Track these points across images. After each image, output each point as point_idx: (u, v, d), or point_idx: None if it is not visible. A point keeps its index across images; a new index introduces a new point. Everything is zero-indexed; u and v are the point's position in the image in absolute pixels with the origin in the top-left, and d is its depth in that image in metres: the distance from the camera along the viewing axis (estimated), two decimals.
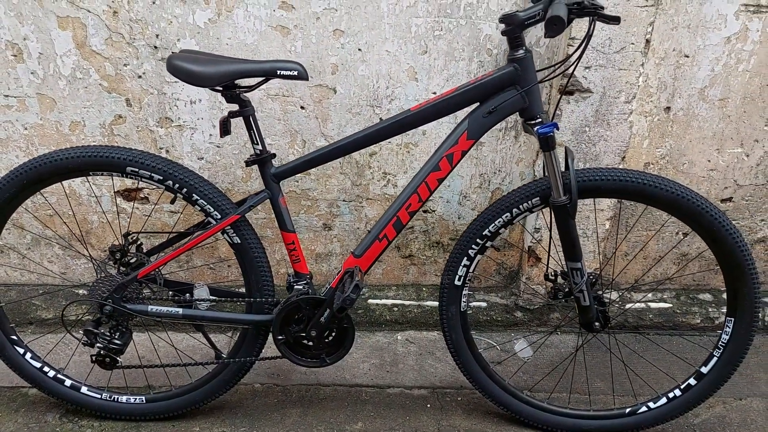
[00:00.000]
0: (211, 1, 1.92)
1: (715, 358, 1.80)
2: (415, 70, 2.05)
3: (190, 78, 1.55)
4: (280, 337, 1.81)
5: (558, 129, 1.57)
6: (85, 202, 2.23)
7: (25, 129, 2.10)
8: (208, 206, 1.72)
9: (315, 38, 1.99)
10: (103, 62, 2.00)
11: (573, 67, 1.58)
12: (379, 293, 2.45)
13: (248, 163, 1.69)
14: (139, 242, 1.86)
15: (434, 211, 2.30)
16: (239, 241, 1.76)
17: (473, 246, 1.77)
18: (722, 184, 2.25)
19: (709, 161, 2.21)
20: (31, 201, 2.18)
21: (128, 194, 2.24)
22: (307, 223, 2.32)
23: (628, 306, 2.41)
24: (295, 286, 1.80)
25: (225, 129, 1.66)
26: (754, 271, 1.67)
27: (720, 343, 1.79)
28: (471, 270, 1.82)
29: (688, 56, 2.03)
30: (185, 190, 1.71)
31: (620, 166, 2.10)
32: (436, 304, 2.42)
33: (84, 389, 1.97)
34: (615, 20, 1.41)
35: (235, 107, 1.64)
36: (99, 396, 1.97)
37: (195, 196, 1.71)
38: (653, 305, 2.42)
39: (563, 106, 2.01)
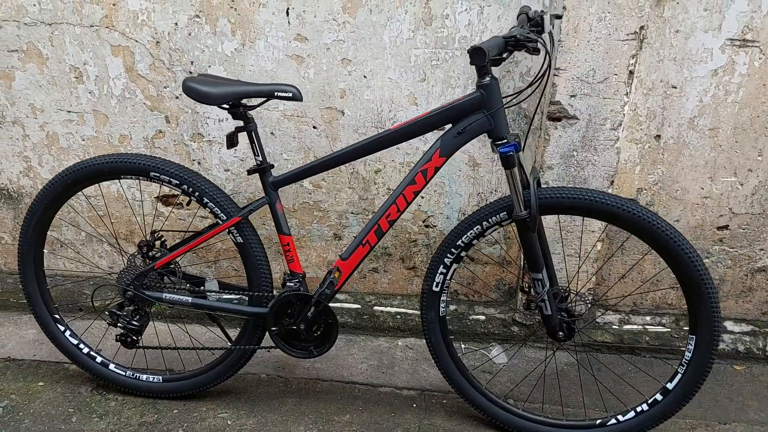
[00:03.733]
0: (237, 33, 2.21)
1: (679, 375, 1.87)
2: (415, 95, 2.25)
3: (200, 97, 1.82)
4: (273, 329, 2.04)
5: (518, 150, 1.72)
6: (130, 205, 2.56)
7: (83, 140, 2.46)
8: (216, 208, 1.98)
9: (326, 66, 2.24)
10: (147, 84, 2.33)
11: (540, 94, 1.74)
12: (385, 301, 2.63)
13: (250, 172, 1.95)
14: (163, 239, 2.15)
15: (435, 226, 2.48)
16: (242, 241, 2.01)
17: (448, 255, 1.94)
18: (717, 211, 2.30)
19: (702, 189, 2.28)
20: (86, 202, 2.54)
21: (166, 200, 2.55)
22: (319, 232, 2.55)
23: (606, 320, 2.48)
24: (287, 284, 2.02)
25: (231, 142, 1.92)
26: (711, 289, 1.74)
27: (684, 360, 1.85)
28: (448, 277, 1.98)
29: (675, 87, 2.13)
30: (197, 193, 1.98)
31: (609, 190, 2.21)
32: None
33: (112, 366, 2.26)
34: (536, 52, 1.57)
35: (240, 123, 1.90)
36: (124, 373, 2.25)
37: (205, 199, 1.98)
38: (627, 327, 2.49)
39: (551, 131, 2.15)
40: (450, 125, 1.80)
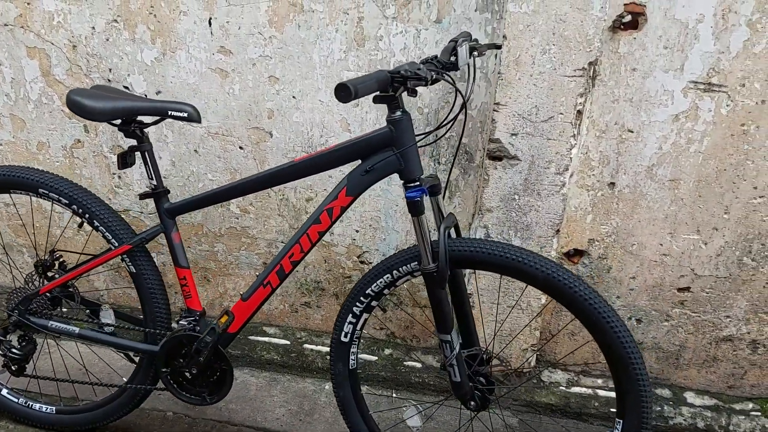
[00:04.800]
0: (157, 41, 2.04)
1: None
2: (348, 121, 2.05)
3: (83, 113, 1.64)
4: (164, 370, 1.85)
5: (426, 195, 1.52)
6: (52, 217, 2.40)
7: (1, 145, 2.30)
8: (107, 233, 1.80)
9: (252, 83, 2.05)
10: (64, 90, 2.16)
11: (460, 134, 1.53)
12: (317, 339, 2.43)
13: (142, 197, 1.76)
14: (62, 259, 1.97)
15: (371, 262, 2.27)
16: (135, 270, 1.82)
17: (357, 304, 1.74)
18: (677, 271, 2.06)
19: (661, 245, 2.04)
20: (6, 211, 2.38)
21: None
22: (247, 260, 2.36)
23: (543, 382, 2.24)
24: (181, 321, 1.83)
25: (124, 162, 1.74)
26: (640, 370, 1.51)
27: None
28: (358, 327, 1.78)
29: (632, 131, 1.90)
30: (87, 215, 1.80)
31: (554, 240, 1.99)
32: (372, 357, 2.38)
33: (5, 391, 2.09)
34: (413, 93, 1.37)
35: (133, 142, 1.72)
36: (16, 400, 2.08)
37: (96, 222, 1.80)
38: (575, 389, 2.25)
39: (491, 171, 1.94)
40: (360, 161, 1.60)
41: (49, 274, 1.94)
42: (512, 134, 1.88)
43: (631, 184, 1.97)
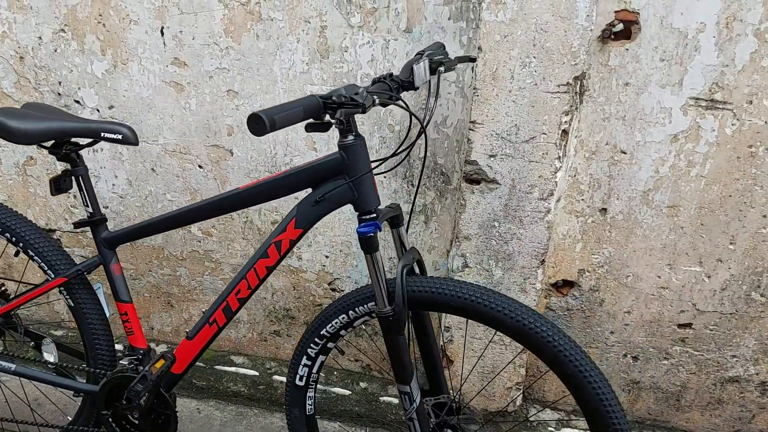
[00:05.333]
0: (107, 52, 1.88)
1: None
2: (314, 139, 1.88)
3: (8, 135, 1.48)
4: (104, 412, 1.69)
5: (380, 230, 1.34)
6: None
7: None
8: (43, 264, 1.65)
9: (209, 97, 1.88)
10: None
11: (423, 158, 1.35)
12: (287, 370, 2.25)
13: (77, 225, 1.60)
14: (3, 287, 1.83)
15: (342, 290, 2.09)
16: (73, 304, 1.67)
17: (312, 345, 1.56)
18: (678, 306, 1.86)
19: (659, 277, 1.84)
20: None
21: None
22: (212, 285, 2.19)
23: None
24: (121, 361, 1.67)
25: (57, 187, 1.58)
26: (622, 426, 1.32)
27: None
28: (314, 370, 1.60)
29: (625, 152, 1.71)
30: (21, 244, 1.64)
31: (538, 271, 1.79)
32: (346, 391, 2.20)
33: None
34: (340, 123, 1.21)
35: (67, 165, 1.56)
36: None
37: (30, 252, 1.65)
38: (565, 430, 2.05)
39: (468, 195, 1.75)
40: (311, 189, 1.42)
41: None
42: (490, 155, 1.69)
43: (625, 211, 1.77)
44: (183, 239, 2.11)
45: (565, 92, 1.58)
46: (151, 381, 1.54)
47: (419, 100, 1.76)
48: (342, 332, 1.54)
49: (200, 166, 1.99)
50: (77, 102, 1.97)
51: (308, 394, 1.64)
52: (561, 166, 1.68)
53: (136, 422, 1.67)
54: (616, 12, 1.57)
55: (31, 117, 1.51)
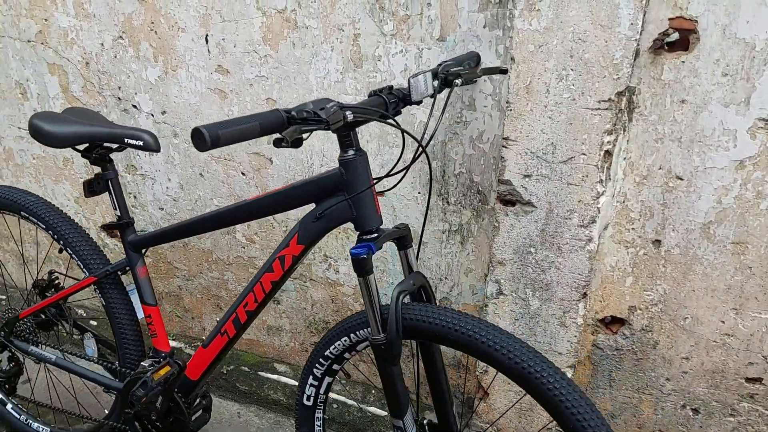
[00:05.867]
0: (159, 59, 1.94)
1: None
2: None
3: (41, 138, 1.56)
4: (127, 410, 1.73)
5: (374, 251, 1.26)
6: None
7: (34, 159, 2.33)
8: (79, 262, 1.72)
9: (250, 104, 1.88)
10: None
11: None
12: None
13: (105, 228, 1.66)
14: (57, 281, 1.94)
15: None
16: (104, 303, 1.73)
17: (317, 366, 1.51)
18: (745, 357, 1.61)
19: (723, 322, 1.60)
20: None
21: (111, 231, 2.35)
22: None
23: None
24: (142, 362, 1.71)
25: (90, 189, 1.64)
26: None
27: None
28: (321, 391, 1.55)
29: (681, 179, 1.50)
30: (62, 242, 1.73)
31: (580, 305, 1.62)
32: (380, 412, 2.13)
33: (9, 406, 2.10)
34: (295, 143, 1.09)
35: (98, 169, 1.62)
36: (18, 416, 2.08)
37: (69, 250, 1.73)
38: None
39: (501, 218, 1.62)
40: (314, 204, 1.37)
41: (48, 294, 1.91)
42: (525, 176, 1.55)
43: (682, 244, 1.56)
44: (229, 244, 2.14)
45: (607, 109, 1.41)
46: (152, 387, 1.56)
47: (455, 109, 1.65)
48: (346, 355, 1.47)
49: (243, 173, 2.00)
50: (134, 107, 2.05)
51: (316, 415, 1.59)
52: (604, 191, 1.51)
53: (157, 423, 1.70)
54: (670, 19, 1.38)
55: (65, 121, 1.58)
